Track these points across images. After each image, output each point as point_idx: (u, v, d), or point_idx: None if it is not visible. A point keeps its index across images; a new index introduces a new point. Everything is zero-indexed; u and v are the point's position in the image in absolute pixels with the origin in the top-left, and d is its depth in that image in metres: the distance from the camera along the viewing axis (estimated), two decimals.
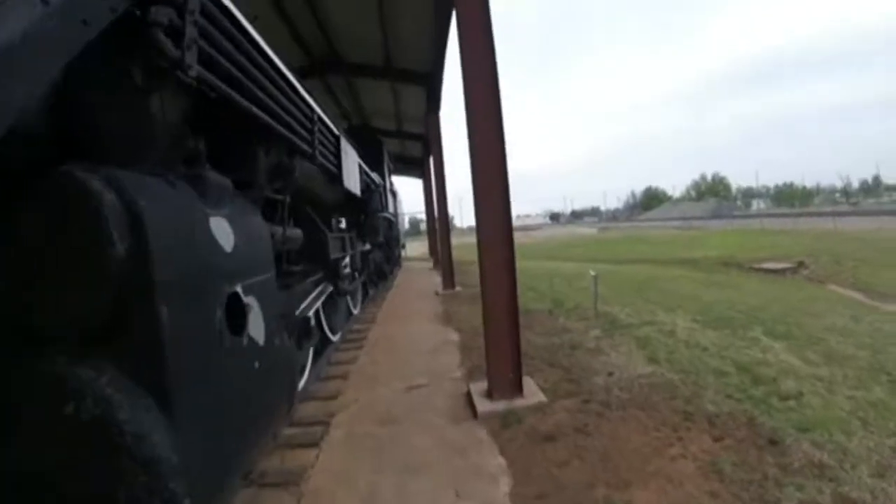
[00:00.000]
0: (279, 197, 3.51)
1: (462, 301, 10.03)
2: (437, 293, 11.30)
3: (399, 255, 18.80)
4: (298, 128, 3.82)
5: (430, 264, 20.08)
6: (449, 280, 11.48)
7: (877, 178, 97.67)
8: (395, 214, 15.21)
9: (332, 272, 5.74)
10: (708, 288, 13.83)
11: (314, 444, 3.92)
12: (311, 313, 4.77)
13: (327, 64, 11.79)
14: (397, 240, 16.56)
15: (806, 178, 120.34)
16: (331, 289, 5.66)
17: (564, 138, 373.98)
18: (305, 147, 4.06)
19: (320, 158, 4.64)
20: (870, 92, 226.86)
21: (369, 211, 7.94)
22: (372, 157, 9.31)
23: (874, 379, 4.55)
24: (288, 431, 4.11)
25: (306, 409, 4.70)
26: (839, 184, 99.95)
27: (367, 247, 8.74)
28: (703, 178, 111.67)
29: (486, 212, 4.43)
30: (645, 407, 4.20)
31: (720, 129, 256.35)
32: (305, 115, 4.19)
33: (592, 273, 9.17)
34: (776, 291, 14.23)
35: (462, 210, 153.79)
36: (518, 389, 4.50)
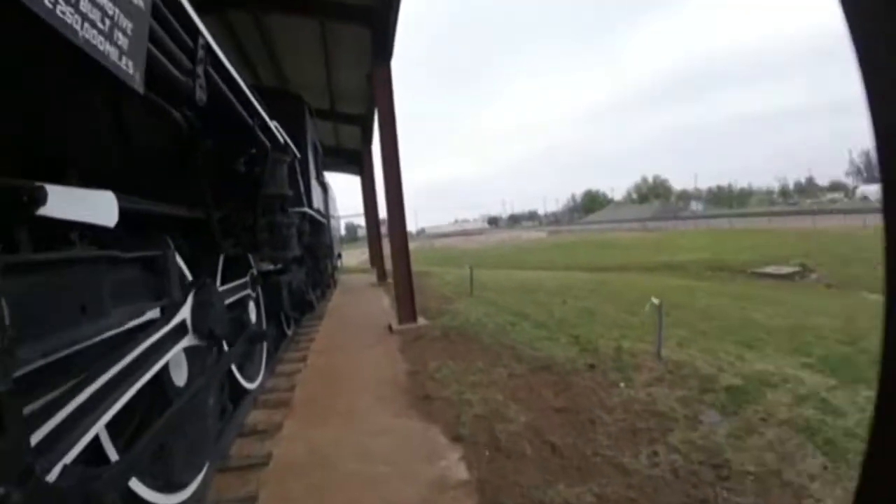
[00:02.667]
0: None
1: (436, 347, 6.25)
2: (390, 329, 7.46)
3: (334, 272, 14.40)
4: None
5: (373, 277, 16.03)
6: (408, 308, 7.66)
7: (810, 180, 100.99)
8: (327, 215, 11.08)
9: None
10: (745, 304, 10.81)
11: None
12: None
13: None
14: (330, 249, 12.11)
15: (738, 180, 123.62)
16: None
17: (499, 144, 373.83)
18: None
19: None
20: (792, 100, 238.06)
21: (264, 198, 3.90)
22: (285, 119, 5.32)
23: None
24: None
25: None
26: (773, 185, 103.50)
27: (271, 267, 4.90)
28: (645, 180, 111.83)
29: None
30: None
31: (651, 136, 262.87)
32: None
33: (655, 301, 5.65)
34: (823, 305, 11.42)
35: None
36: None
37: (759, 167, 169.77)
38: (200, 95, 2.09)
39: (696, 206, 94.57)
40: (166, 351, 2.33)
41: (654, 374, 5.02)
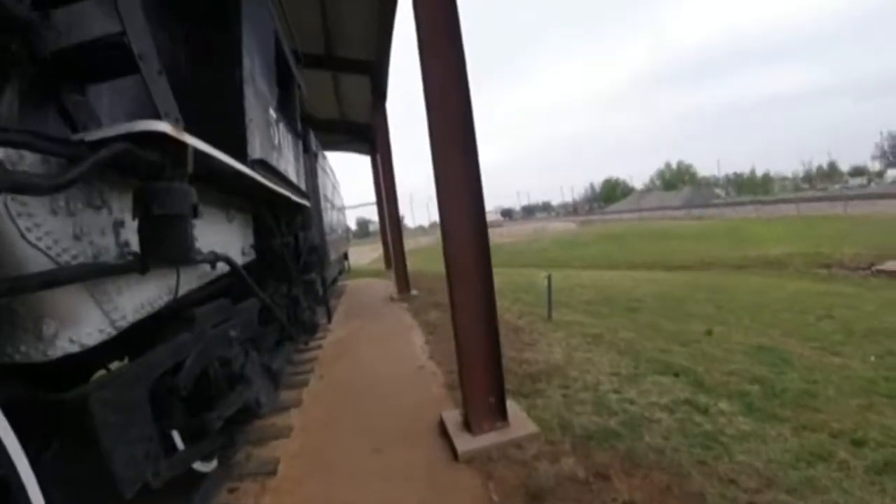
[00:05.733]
0: None
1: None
2: (451, 444, 3.44)
3: (326, 291, 8.41)
4: None
5: (390, 284, 11.92)
6: (485, 394, 3.53)
7: (833, 165, 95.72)
8: (314, 193, 6.72)
9: None
10: None
11: None
12: None
13: None
14: (322, 253, 7.18)
15: (758, 166, 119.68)
16: None
17: (510, 134, 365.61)
18: None
19: None
20: (802, 84, 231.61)
21: None
22: None
23: None
24: None
25: None
26: (797, 170, 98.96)
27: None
28: (668, 166, 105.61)
29: None
30: None
31: (668, 122, 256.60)
32: None
33: None
34: None
35: (413, 208, 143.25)
36: None
37: (779, 151, 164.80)
38: None
39: (719, 192, 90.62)
40: None
41: None
